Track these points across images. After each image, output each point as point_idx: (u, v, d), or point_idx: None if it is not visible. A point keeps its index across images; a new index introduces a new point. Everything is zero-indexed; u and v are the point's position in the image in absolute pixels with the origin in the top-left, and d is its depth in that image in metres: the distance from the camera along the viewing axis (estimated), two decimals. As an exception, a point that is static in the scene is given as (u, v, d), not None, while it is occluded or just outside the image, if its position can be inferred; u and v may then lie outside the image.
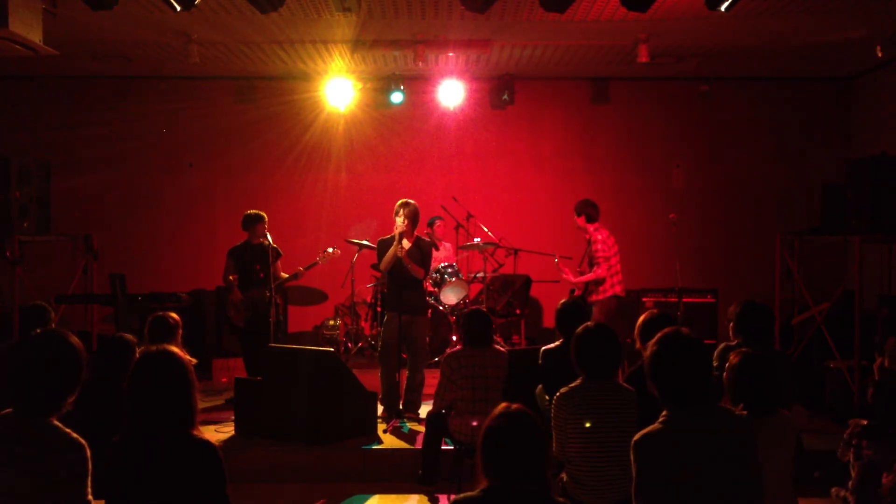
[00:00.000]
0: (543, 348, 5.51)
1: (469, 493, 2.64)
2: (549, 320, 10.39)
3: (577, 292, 7.86)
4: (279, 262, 7.87)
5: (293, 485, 6.04)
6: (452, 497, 5.57)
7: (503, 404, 2.74)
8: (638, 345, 4.67)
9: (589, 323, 4.39)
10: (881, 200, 6.85)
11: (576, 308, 5.46)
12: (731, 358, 3.68)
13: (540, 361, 5.46)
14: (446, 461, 5.72)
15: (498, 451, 2.61)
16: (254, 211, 7.98)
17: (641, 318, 4.78)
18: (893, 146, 7.92)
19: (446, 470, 5.72)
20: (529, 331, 9.78)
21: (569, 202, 9.96)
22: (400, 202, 7.10)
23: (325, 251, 8.02)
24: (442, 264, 8.87)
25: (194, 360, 3.02)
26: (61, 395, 2.95)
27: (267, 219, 7.91)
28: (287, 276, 7.92)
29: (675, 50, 8.87)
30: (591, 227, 7.90)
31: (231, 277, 7.80)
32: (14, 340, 7.03)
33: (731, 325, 4.79)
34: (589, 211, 7.96)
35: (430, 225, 9.31)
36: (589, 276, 7.83)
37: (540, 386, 5.39)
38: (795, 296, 8.19)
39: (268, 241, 7.65)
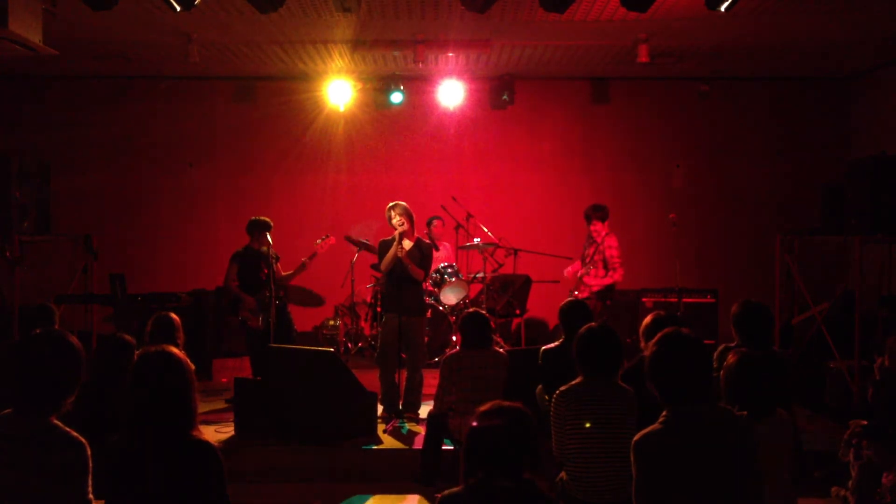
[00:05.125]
0: (543, 348, 5.51)
1: (454, 490, 2.64)
2: (547, 320, 10.39)
3: (577, 294, 7.86)
4: (279, 265, 7.89)
5: (293, 485, 6.03)
6: (437, 495, 5.57)
7: (495, 402, 2.75)
8: (642, 344, 4.68)
9: (592, 323, 4.39)
10: (881, 200, 6.84)
11: (580, 307, 5.46)
12: (729, 358, 3.67)
13: (540, 362, 5.47)
14: (446, 461, 5.72)
15: (482, 446, 2.62)
16: (262, 217, 7.92)
17: (648, 319, 4.77)
18: (893, 146, 7.92)
19: (446, 470, 5.71)
20: (529, 331, 9.77)
21: (569, 202, 10.00)
22: (390, 205, 7.08)
23: (319, 240, 8.01)
24: (442, 264, 8.87)
25: (192, 367, 3.01)
26: (61, 394, 2.96)
27: (272, 226, 7.91)
28: (289, 273, 7.93)
29: (675, 50, 8.87)
30: (605, 231, 7.92)
31: (232, 283, 7.82)
32: (14, 340, 7.03)
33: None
34: (605, 213, 8.01)
35: (429, 225, 9.31)
36: (608, 280, 7.85)
37: (540, 386, 5.39)
38: (795, 296, 8.18)
39: (268, 246, 7.65)
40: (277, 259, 7.86)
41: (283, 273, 7.94)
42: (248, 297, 7.75)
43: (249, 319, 7.75)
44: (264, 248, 7.77)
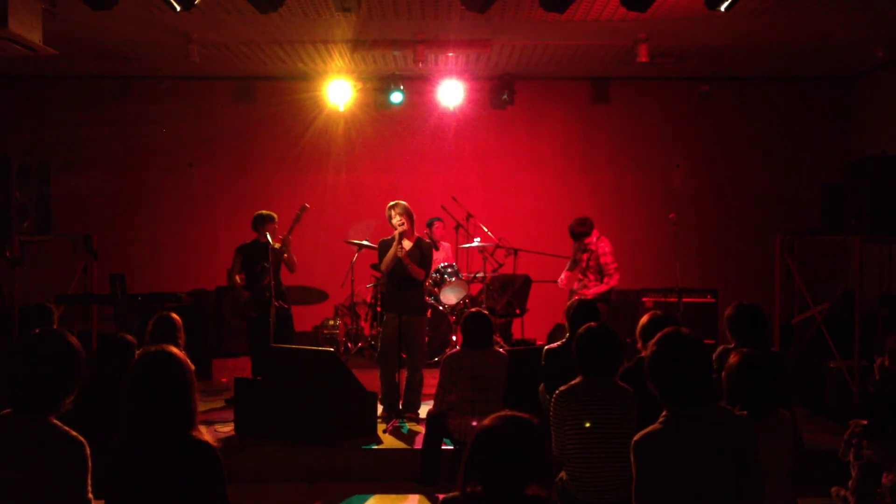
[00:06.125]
0: (546, 348, 5.52)
1: (453, 494, 2.64)
2: (548, 320, 10.39)
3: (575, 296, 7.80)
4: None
5: (293, 485, 6.03)
6: (438, 496, 5.57)
7: (504, 412, 2.74)
8: (640, 345, 4.67)
9: (592, 323, 4.38)
10: (881, 200, 6.83)
11: (586, 308, 5.46)
12: (731, 358, 3.68)
13: (543, 362, 5.47)
14: (446, 461, 5.71)
15: (483, 450, 2.61)
16: (266, 211, 7.95)
17: (644, 319, 4.77)
18: (893, 146, 7.92)
19: (446, 470, 5.71)
20: (529, 331, 9.77)
21: (569, 202, 10.01)
22: (390, 204, 7.08)
23: (298, 211, 7.92)
24: (442, 264, 8.86)
25: (192, 367, 3.01)
26: (60, 394, 2.95)
27: (277, 219, 7.90)
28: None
29: (675, 50, 8.88)
30: (593, 239, 7.83)
31: (238, 277, 7.86)
32: (14, 340, 7.03)
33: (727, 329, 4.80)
34: (591, 227, 7.86)
35: (429, 226, 9.30)
36: (603, 288, 7.73)
37: (542, 385, 5.39)
38: (795, 296, 8.18)
39: (268, 240, 7.69)
40: (280, 254, 7.87)
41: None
42: (245, 292, 7.80)
43: (247, 311, 7.81)
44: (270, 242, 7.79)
